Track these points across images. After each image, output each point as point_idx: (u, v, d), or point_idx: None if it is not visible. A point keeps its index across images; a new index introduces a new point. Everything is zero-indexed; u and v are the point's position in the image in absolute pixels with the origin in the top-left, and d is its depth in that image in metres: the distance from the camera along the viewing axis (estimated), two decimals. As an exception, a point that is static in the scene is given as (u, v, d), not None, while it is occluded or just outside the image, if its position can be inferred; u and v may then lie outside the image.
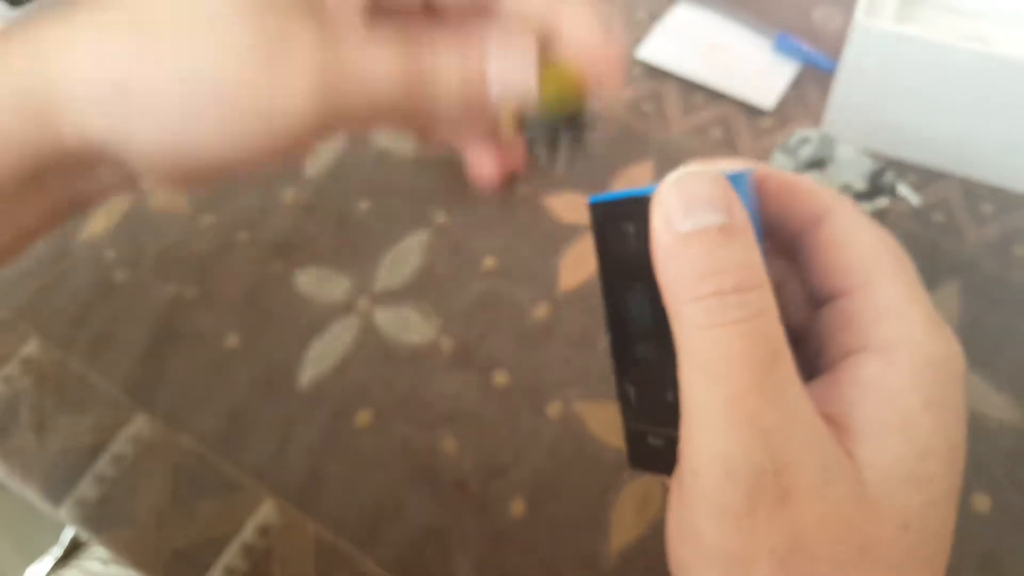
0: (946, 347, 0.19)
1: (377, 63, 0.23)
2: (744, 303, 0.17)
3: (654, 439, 0.20)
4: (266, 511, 0.39)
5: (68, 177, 0.25)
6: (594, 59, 0.24)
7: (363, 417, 0.42)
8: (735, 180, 0.19)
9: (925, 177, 0.50)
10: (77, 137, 0.23)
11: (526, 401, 0.42)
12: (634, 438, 0.21)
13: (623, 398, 0.21)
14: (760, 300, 0.17)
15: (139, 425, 0.43)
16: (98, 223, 0.51)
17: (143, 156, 0.23)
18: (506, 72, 0.23)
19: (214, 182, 0.26)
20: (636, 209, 0.19)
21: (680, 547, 0.19)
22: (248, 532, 0.39)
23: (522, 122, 0.26)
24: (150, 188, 0.26)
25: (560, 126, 0.26)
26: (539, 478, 0.39)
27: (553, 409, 0.41)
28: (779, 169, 0.21)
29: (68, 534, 0.62)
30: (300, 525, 0.39)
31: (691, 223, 0.17)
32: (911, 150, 0.50)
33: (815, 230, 0.21)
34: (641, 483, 0.39)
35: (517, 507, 0.39)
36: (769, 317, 0.17)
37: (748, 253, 0.17)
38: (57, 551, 0.64)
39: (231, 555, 0.38)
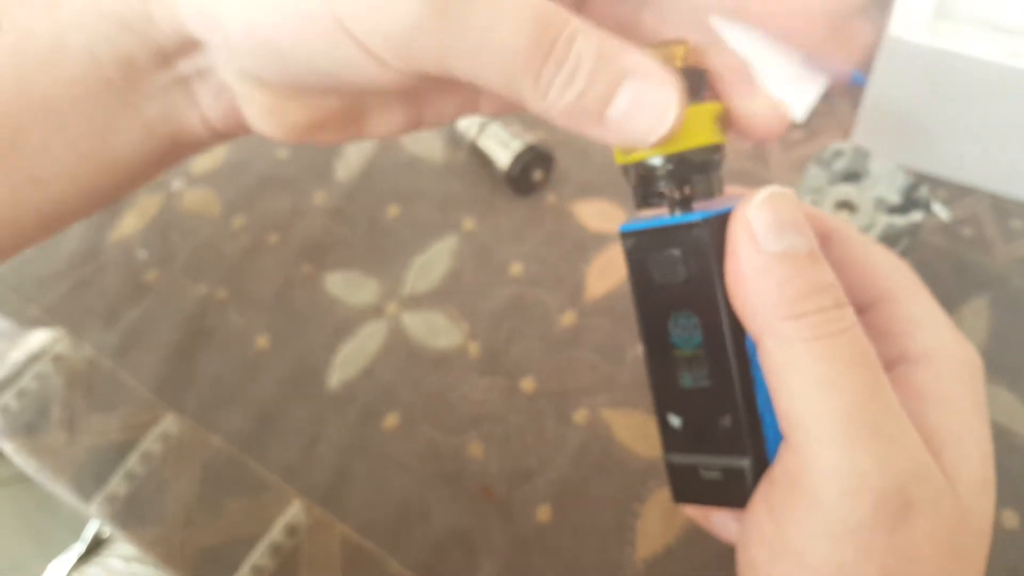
0: (972, 353, 0.20)
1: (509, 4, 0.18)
2: (844, 317, 0.17)
3: (708, 472, 0.20)
4: (294, 511, 0.40)
5: (165, 102, 0.23)
6: (757, 113, 0.20)
7: (390, 420, 0.42)
8: None
9: (954, 192, 0.49)
10: (167, 25, 0.21)
11: (552, 407, 0.42)
12: (681, 472, 0.20)
13: (666, 430, 0.21)
14: (852, 316, 0.18)
15: (168, 424, 0.43)
16: (129, 223, 0.51)
17: (237, 55, 0.20)
18: (637, 105, 0.18)
19: (321, 128, 0.22)
20: (684, 235, 0.19)
21: (772, 570, 0.18)
22: (276, 531, 0.39)
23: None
24: (255, 121, 0.23)
25: (691, 163, 0.20)
26: (565, 485, 0.39)
27: (579, 416, 0.41)
28: (814, 181, 0.21)
29: (91, 531, 0.62)
30: (327, 525, 0.39)
31: (782, 244, 0.17)
32: (940, 165, 0.50)
33: (824, 250, 0.21)
34: (668, 493, 0.39)
35: (543, 513, 0.39)
36: (862, 331, 0.18)
37: (832, 275, 0.18)
38: (80, 547, 0.65)
39: (259, 554, 0.39)
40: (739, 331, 0.19)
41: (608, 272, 0.46)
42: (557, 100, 0.18)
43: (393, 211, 0.50)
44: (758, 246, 0.18)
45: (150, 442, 0.43)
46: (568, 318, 0.45)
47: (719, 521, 0.22)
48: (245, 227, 0.50)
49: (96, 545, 0.64)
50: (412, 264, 0.48)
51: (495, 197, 0.50)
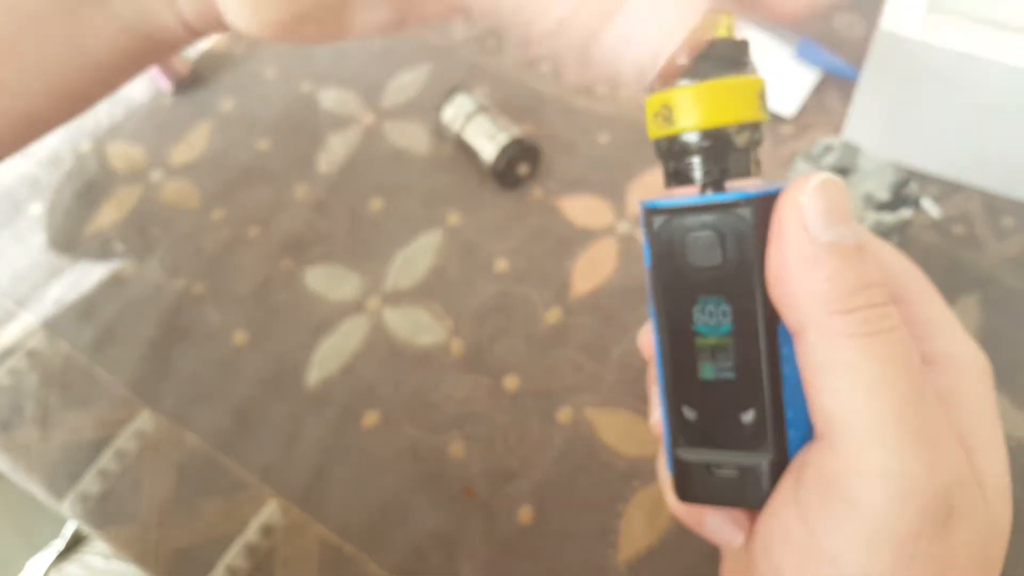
0: (984, 357, 0.19)
1: None
2: (892, 315, 0.17)
3: (722, 470, 0.19)
4: (270, 511, 0.39)
5: None
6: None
7: (370, 418, 0.41)
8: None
9: (945, 189, 0.49)
10: None
11: (536, 406, 0.41)
12: (690, 469, 0.19)
13: (677, 423, 0.19)
14: (898, 315, 0.17)
15: (144, 421, 0.42)
16: (107, 215, 0.50)
17: None
18: (633, 36, 0.16)
19: (301, 23, 0.21)
20: (726, 215, 0.18)
21: (801, 575, 0.17)
22: (251, 532, 0.38)
23: (667, 142, 0.19)
24: (232, 16, 0.21)
25: (729, 141, 0.19)
26: (547, 485, 0.39)
27: (563, 415, 0.41)
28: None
29: (70, 528, 0.61)
30: (304, 526, 0.38)
31: (833, 234, 0.17)
32: (932, 161, 0.49)
33: None
34: (652, 493, 0.38)
35: (524, 514, 0.38)
36: (906, 332, 0.17)
37: (880, 272, 0.17)
38: (59, 544, 0.64)
39: (234, 555, 0.38)
40: (773, 321, 0.18)
41: (594, 269, 0.45)
42: (540, 21, 0.16)
43: (376, 204, 0.49)
44: (809, 234, 0.17)
45: (125, 440, 0.42)
46: (553, 315, 0.44)
47: (713, 524, 0.21)
48: (225, 220, 0.49)
49: (76, 542, 0.63)
50: (395, 259, 0.47)
51: (480, 191, 0.49)
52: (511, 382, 0.42)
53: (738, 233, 0.18)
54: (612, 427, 0.40)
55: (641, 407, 0.40)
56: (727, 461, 0.19)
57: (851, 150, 0.38)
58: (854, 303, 0.17)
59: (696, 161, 0.18)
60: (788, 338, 0.18)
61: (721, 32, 0.18)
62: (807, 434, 0.18)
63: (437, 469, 0.39)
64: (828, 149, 0.39)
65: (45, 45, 0.21)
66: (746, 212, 0.18)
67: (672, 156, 0.19)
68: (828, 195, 0.17)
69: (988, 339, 0.42)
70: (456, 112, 0.49)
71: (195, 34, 0.23)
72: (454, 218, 0.48)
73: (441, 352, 0.43)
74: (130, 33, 0.22)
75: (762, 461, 0.18)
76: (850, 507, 0.16)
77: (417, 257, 0.47)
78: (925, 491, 0.16)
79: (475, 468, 0.39)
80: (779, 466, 0.18)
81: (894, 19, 0.45)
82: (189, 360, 0.44)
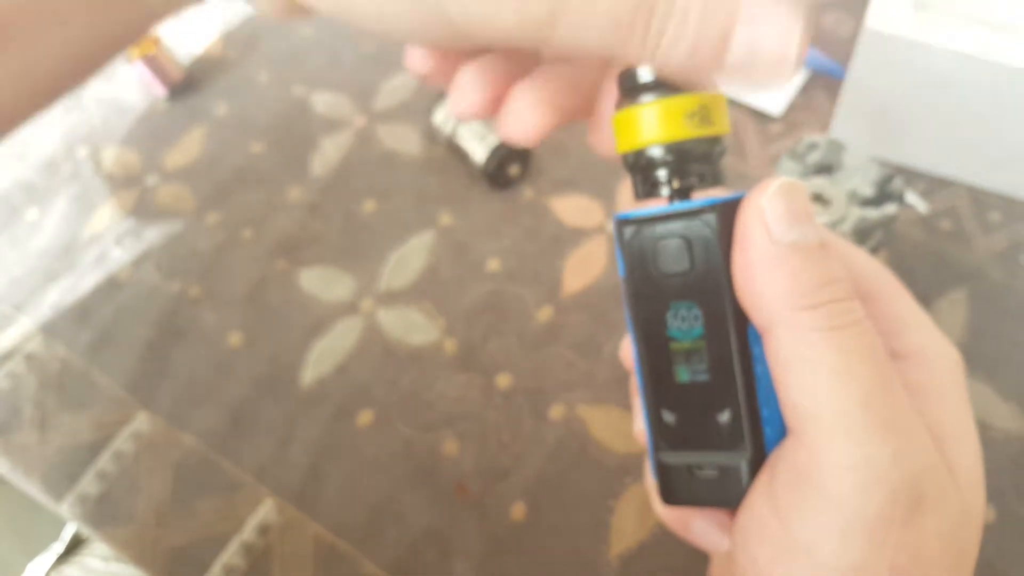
0: (955, 352, 0.20)
1: None
2: (856, 309, 0.17)
3: (703, 471, 0.19)
4: (266, 510, 0.39)
5: None
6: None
7: (364, 417, 0.42)
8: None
9: (933, 185, 0.49)
10: None
11: (528, 404, 0.41)
12: (673, 472, 0.20)
13: (658, 427, 0.20)
14: (862, 309, 0.17)
15: (140, 422, 0.43)
16: (103, 219, 0.51)
17: None
18: (763, 33, 0.16)
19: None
20: (691, 222, 0.18)
21: (776, 568, 0.18)
22: (248, 531, 0.39)
23: (634, 153, 0.19)
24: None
25: (691, 153, 0.19)
26: (540, 482, 0.39)
27: (555, 412, 0.41)
28: (787, 175, 0.21)
29: (70, 530, 0.62)
30: (300, 525, 0.39)
31: (795, 235, 0.17)
32: (919, 157, 0.49)
33: None
34: (643, 489, 0.39)
35: (517, 511, 0.38)
36: (871, 324, 0.17)
37: (842, 268, 0.18)
38: (59, 547, 0.64)
39: (231, 554, 0.38)
40: (742, 322, 0.18)
41: (585, 267, 0.46)
42: (672, 50, 0.17)
43: (369, 206, 0.50)
44: (771, 235, 0.17)
45: (122, 441, 0.42)
46: (545, 314, 0.44)
47: (700, 529, 0.21)
48: (219, 223, 0.50)
49: (76, 544, 0.63)
50: (388, 260, 0.47)
51: (472, 192, 0.49)
52: (503, 380, 0.42)
53: (704, 239, 0.18)
54: (604, 424, 0.41)
55: (632, 404, 0.41)
56: (707, 462, 0.19)
57: (836, 147, 0.39)
58: (818, 299, 0.17)
59: (662, 174, 0.19)
60: (759, 338, 0.19)
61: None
62: (782, 431, 0.19)
63: (430, 467, 0.40)
64: (813, 147, 0.39)
65: (72, 29, 0.22)
66: (710, 218, 0.18)
67: (639, 170, 0.19)
68: (788, 197, 0.17)
69: (975, 333, 0.43)
70: (447, 114, 0.50)
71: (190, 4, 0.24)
72: (446, 219, 0.49)
73: (434, 351, 0.43)
74: (156, 15, 0.23)
75: (741, 460, 0.19)
76: (821, 497, 0.16)
77: (410, 258, 0.47)
78: (893, 478, 0.16)
79: (468, 466, 0.40)
80: (757, 464, 0.19)
81: (880, 17, 0.45)
82: (185, 361, 0.44)
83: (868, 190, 0.38)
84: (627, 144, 0.19)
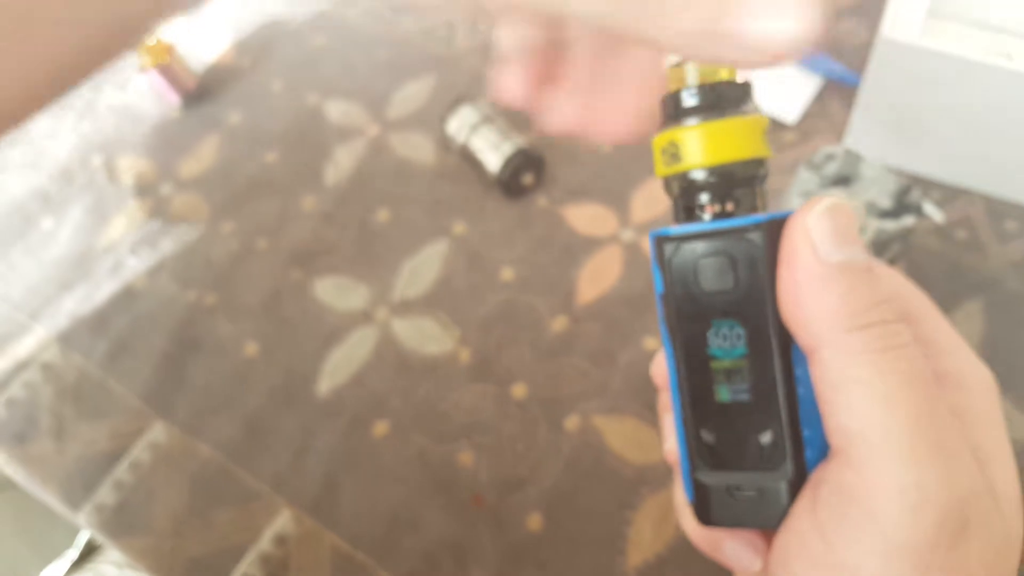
0: (990, 374, 0.20)
1: None
2: (904, 331, 0.17)
3: (742, 491, 0.19)
4: (283, 521, 0.39)
5: None
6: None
7: (380, 428, 0.42)
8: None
9: (948, 194, 0.49)
10: None
11: (544, 414, 0.41)
12: (711, 492, 0.20)
13: (697, 447, 0.20)
14: (910, 331, 0.17)
15: (157, 433, 0.43)
16: (118, 229, 0.51)
17: None
18: (773, 8, 0.15)
19: None
20: (736, 240, 0.18)
21: None
22: (265, 541, 0.39)
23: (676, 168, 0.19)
24: None
25: (734, 176, 0.19)
26: (556, 492, 0.39)
27: (571, 423, 0.41)
28: (804, 185, 0.21)
29: (83, 537, 0.62)
30: (316, 535, 0.39)
31: (842, 255, 0.17)
32: (934, 166, 0.49)
33: None
34: (660, 500, 0.39)
35: (534, 521, 0.38)
36: (918, 347, 0.17)
37: (889, 290, 0.17)
38: (73, 554, 0.64)
39: (248, 564, 0.38)
40: (786, 342, 0.18)
41: (599, 277, 0.46)
42: (680, 22, 0.15)
43: (383, 215, 0.50)
44: (818, 255, 0.17)
45: (139, 451, 0.42)
46: (559, 324, 0.44)
47: (732, 550, 0.21)
48: (234, 232, 0.50)
49: (89, 551, 0.63)
50: (402, 269, 0.47)
51: (486, 201, 0.49)
52: (518, 390, 0.42)
53: (749, 257, 0.18)
54: (619, 434, 0.40)
55: (648, 415, 0.41)
56: (746, 483, 0.19)
57: (853, 158, 0.38)
58: (866, 320, 0.17)
59: (705, 197, 0.19)
60: (802, 358, 0.19)
61: (723, 75, 0.19)
62: (823, 452, 0.19)
63: (446, 477, 0.40)
64: (830, 157, 0.39)
65: (90, 13, 0.22)
66: (756, 236, 0.18)
67: (681, 193, 0.19)
68: (835, 217, 0.17)
69: (991, 344, 0.42)
70: (461, 123, 0.50)
71: None
72: (460, 228, 0.49)
73: (449, 361, 0.43)
74: (174, 3, 0.23)
75: (781, 481, 0.19)
76: (867, 519, 0.16)
77: (424, 267, 0.47)
78: (941, 502, 0.16)
79: (484, 476, 0.40)
80: (797, 485, 0.19)
81: (895, 25, 0.45)
82: (201, 372, 0.44)
83: (886, 202, 0.38)
84: (669, 166, 0.19)
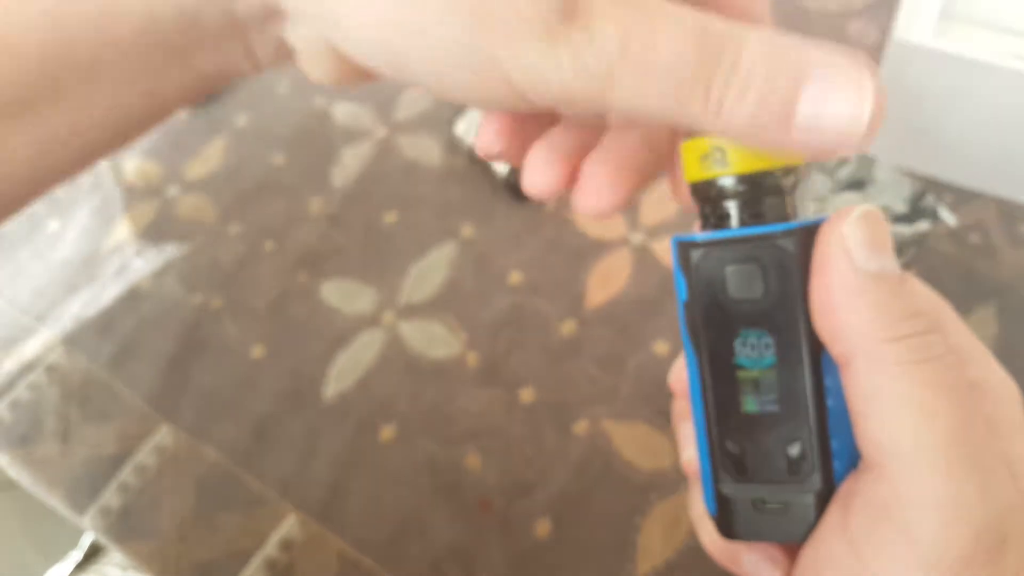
0: (1014, 382, 0.20)
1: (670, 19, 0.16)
2: (940, 343, 0.17)
3: (767, 505, 0.19)
4: (289, 526, 0.39)
5: (221, 57, 0.22)
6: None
7: (387, 432, 0.41)
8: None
9: (961, 197, 0.48)
10: None
11: (552, 419, 0.41)
12: (735, 505, 0.19)
13: (721, 459, 0.19)
14: (945, 342, 0.17)
15: (163, 436, 0.42)
16: (124, 230, 0.51)
17: (336, 37, 0.19)
18: (830, 101, 0.15)
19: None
20: (767, 247, 0.18)
21: None
22: (271, 547, 0.39)
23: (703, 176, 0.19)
24: (312, 72, 0.22)
25: (764, 184, 0.18)
26: (565, 498, 0.39)
27: (580, 427, 0.41)
28: (818, 189, 0.21)
29: (87, 539, 0.62)
30: (323, 540, 0.39)
31: (876, 264, 0.17)
32: (946, 169, 0.49)
33: None
34: (670, 506, 0.38)
35: (542, 527, 0.38)
36: (956, 358, 0.17)
37: (923, 300, 0.17)
38: (77, 555, 0.64)
39: (254, 569, 0.38)
40: (817, 352, 0.18)
41: (608, 280, 0.45)
42: (734, 114, 0.16)
43: (390, 218, 0.49)
44: (853, 264, 0.17)
45: (144, 454, 0.42)
46: (568, 327, 0.44)
47: (751, 563, 0.21)
48: (240, 234, 0.49)
49: (94, 552, 0.63)
50: (409, 272, 0.47)
51: (494, 203, 0.49)
52: (527, 394, 0.42)
53: (780, 264, 0.18)
54: (629, 439, 0.40)
55: (658, 420, 0.40)
56: (772, 495, 0.19)
57: (867, 162, 0.38)
58: (902, 331, 0.17)
59: (735, 204, 0.19)
60: (832, 368, 0.18)
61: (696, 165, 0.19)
62: (851, 464, 0.19)
63: (454, 482, 0.40)
64: (843, 161, 0.39)
65: (121, 99, 0.22)
66: (788, 243, 0.18)
67: (710, 199, 0.19)
68: (870, 226, 0.17)
69: (1005, 350, 0.42)
70: (469, 124, 0.49)
71: (260, 72, 0.24)
72: (468, 230, 0.48)
73: (456, 365, 0.43)
74: (204, 81, 0.23)
75: (809, 494, 0.18)
76: (902, 534, 0.16)
77: (431, 270, 0.47)
78: (979, 517, 0.16)
79: (491, 481, 0.39)
80: (825, 498, 0.19)
81: (907, 27, 0.45)
82: (207, 374, 0.44)
83: (901, 206, 0.37)
84: (697, 174, 0.19)
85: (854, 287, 0.17)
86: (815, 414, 0.18)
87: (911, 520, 0.16)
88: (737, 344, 0.19)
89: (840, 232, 0.17)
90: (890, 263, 0.17)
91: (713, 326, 0.19)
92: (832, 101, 0.15)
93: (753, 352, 0.19)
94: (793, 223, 0.18)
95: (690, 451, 0.23)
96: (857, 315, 0.17)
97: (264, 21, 0.21)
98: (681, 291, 0.20)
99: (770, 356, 0.18)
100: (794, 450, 0.18)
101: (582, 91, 0.17)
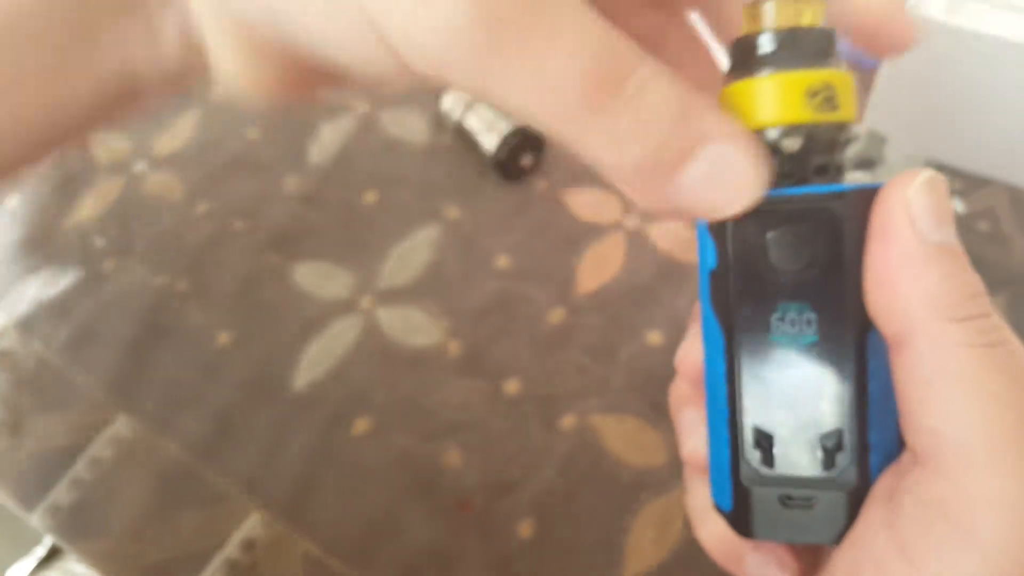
0: None
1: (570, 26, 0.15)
2: (1003, 327, 0.16)
3: (794, 501, 0.17)
4: (252, 524, 0.37)
5: (124, 45, 0.20)
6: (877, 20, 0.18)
7: (361, 425, 0.39)
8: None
9: (970, 184, 0.46)
10: None
11: (538, 412, 0.39)
12: (758, 501, 0.18)
13: (743, 448, 0.18)
14: (1007, 327, 0.16)
15: (120, 426, 0.40)
16: (86, 208, 0.48)
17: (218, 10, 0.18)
18: (717, 172, 0.15)
19: (308, 91, 0.20)
20: (818, 210, 0.16)
21: None
22: (232, 547, 0.36)
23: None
24: (228, 79, 0.20)
25: (813, 139, 0.16)
26: (549, 497, 0.37)
27: (567, 422, 0.38)
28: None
29: (51, 534, 0.59)
30: (288, 541, 0.36)
31: (942, 236, 0.16)
32: (955, 154, 0.47)
33: None
34: (661, 506, 0.36)
35: (524, 528, 0.36)
36: (1020, 345, 0.16)
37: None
38: (40, 551, 0.62)
39: (213, 571, 0.36)
40: (864, 331, 0.17)
41: (601, 266, 0.43)
42: (625, 149, 0.15)
43: (370, 197, 0.47)
44: (918, 233, 0.16)
45: (100, 447, 0.39)
46: (557, 315, 0.42)
47: (756, 564, 0.19)
48: (209, 213, 0.47)
49: (59, 548, 0.61)
50: (389, 255, 0.44)
51: (481, 183, 0.47)
52: (511, 386, 0.40)
53: (831, 231, 0.16)
54: (619, 435, 0.38)
55: (650, 414, 0.38)
56: (800, 490, 0.17)
57: (877, 140, 0.36)
58: (968, 311, 0.15)
59: (775, 163, 0.17)
60: (877, 350, 0.17)
61: (806, 20, 0.17)
62: (887, 461, 0.17)
63: (431, 480, 0.37)
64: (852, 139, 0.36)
65: (25, 84, 0.21)
66: (841, 207, 0.16)
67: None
68: (936, 192, 0.16)
69: (1020, 342, 0.40)
70: (456, 100, 0.47)
71: (178, 87, 0.22)
72: (453, 212, 0.46)
73: (437, 354, 0.41)
74: (111, 83, 0.21)
75: (842, 491, 0.17)
76: (963, 537, 0.15)
77: (413, 253, 0.44)
78: None
79: (472, 479, 0.37)
80: (860, 496, 0.17)
81: (916, 3, 0.43)
82: (170, 361, 0.42)
83: (913, 186, 0.35)
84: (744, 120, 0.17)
85: (919, 258, 0.15)
86: (857, 401, 0.17)
87: (974, 520, 0.15)
88: (774, 319, 0.17)
89: (904, 197, 0.16)
90: (954, 236, 0.16)
91: (748, 298, 0.17)
92: (721, 172, 0.15)
93: (792, 328, 0.17)
94: (847, 185, 0.16)
95: (695, 440, 0.21)
96: (920, 290, 0.15)
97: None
98: (708, 258, 0.18)
99: (811, 333, 0.17)
100: (830, 440, 0.17)
101: (462, 80, 0.15)
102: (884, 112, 0.46)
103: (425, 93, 0.50)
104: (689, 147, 0.15)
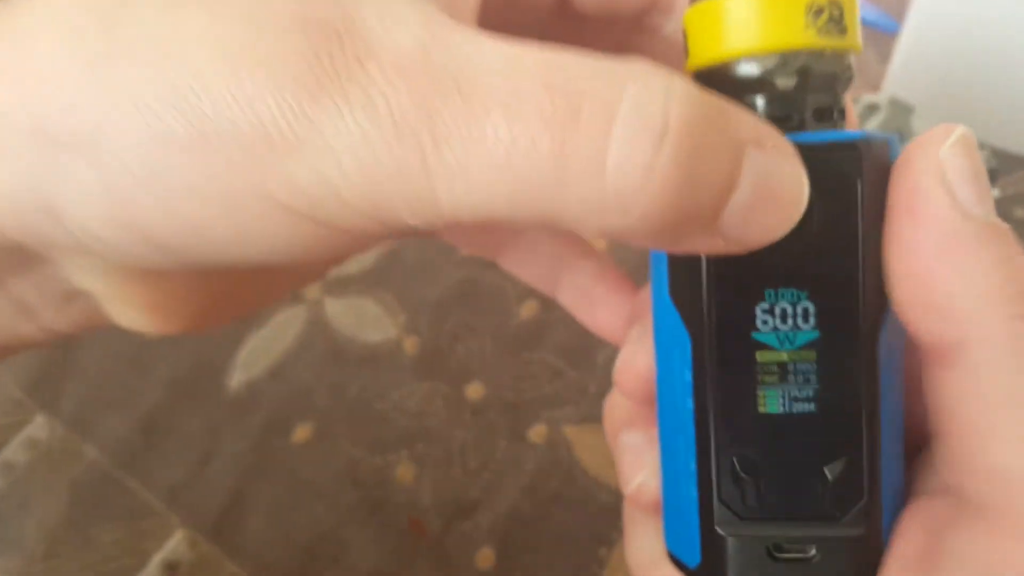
0: None
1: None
2: None
3: (788, 550, 0.14)
4: (175, 544, 0.34)
5: None
6: None
7: (302, 431, 0.36)
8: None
9: (1003, 163, 0.43)
10: None
11: (504, 422, 0.36)
12: (740, 551, 0.14)
13: (719, 484, 0.14)
14: None
15: (37, 427, 0.37)
16: (13, 181, 0.44)
17: (100, 251, 0.14)
18: (764, 191, 0.12)
19: (227, 306, 0.18)
20: (818, 170, 0.12)
21: None
22: (152, 568, 0.33)
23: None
24: (127, 319, 0.17)
25: (810, 72, 0.13)
26: (514, 520, 0.33)
27: (537, 433, 0.35)
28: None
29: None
30: (215, 563, 0.33)
31: (984, 209, 0.13)
32: (986, 130, 0.43)
33: None
34: (641, 532, 0.32)
35: (484, 557, 0.33)
36: None
37: None
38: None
39: (129, 597, 0.32)
40: (875, 326, 0.13)
41: (580, 253, 0.39)
42: (632, 209, 0.12)
43: (326, 173, 0.43)
44: (959, 205, 0.13)
45: (13, 450, 0.36)
46: (528, 310, 0.38)
47: None
48: (147, 189, 0.43)
49: None
50: (344, 238, 0.41)
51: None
52: (474, 391, 0.37)
53: (839, 194, 0.13)
54: (595, 449, 0.35)
55: (615, 443, 0.35)
56: (798, 536, 0.14)
57: (903, 110, 0.32)
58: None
59: (761, 101, 0.13)
60: (891, 353, 0.14)
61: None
62: (899, 503, 0.14)
63: (380, 497, 0.34)
64: (873, 109, 0.33)
65: None
66: (852, 161, 0.13)
67: (724, 95, 0.13)
68: (972, 154, 0.13)
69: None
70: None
71: (66, 337, 0.19)
72: (416, 190, 0.42)
73: (391, 352, 0.38)
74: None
75: (852, 535, 0.14)
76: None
77: (370, 236, 0.41)
78: None
79: (426, 497, 0.34)
80: (870, 545, 0.14)
81: (951, -46, 0.39)
82: (94, 357, 0.38)
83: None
84: (705, 55, 0.14)
85: (964, 240, 0.12)
86: (868, 419, 0.14)
87: None
88: (759, 311, 0.14)
89: (937, 161, 0.12)
90: (992, 210, 0.13)
91: (724, 285, 0.14)
92: (768, 189, 0.12)
93: (783, 324, 0.13)
94: (859, 132, 0.13)
95: (646, 474, 0.17)
96: (973, 281, 0.12)
97: (17, 267, 0.16)
98: None
99: (809, 329, 0.13)
100: (835, 470, 0.14)
101: (405, 212, 0.12)
102: (903, 81, 0.43)
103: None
104: (731, 177, 0.11)
